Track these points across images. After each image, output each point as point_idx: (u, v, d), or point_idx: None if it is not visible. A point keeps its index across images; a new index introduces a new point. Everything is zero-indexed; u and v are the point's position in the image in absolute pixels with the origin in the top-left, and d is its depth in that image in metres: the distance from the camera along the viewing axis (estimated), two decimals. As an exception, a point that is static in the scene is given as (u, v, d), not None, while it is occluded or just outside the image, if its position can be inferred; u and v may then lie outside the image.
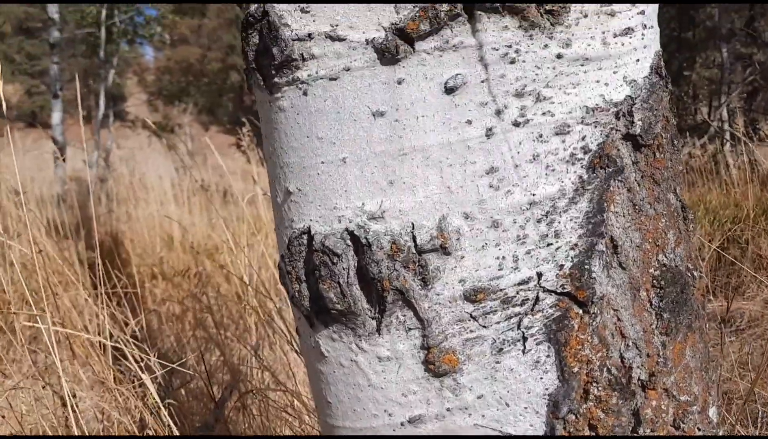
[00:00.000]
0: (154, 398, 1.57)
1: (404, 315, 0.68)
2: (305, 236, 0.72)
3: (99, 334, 1.93)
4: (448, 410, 0.70)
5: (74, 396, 1.79)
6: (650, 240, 0.71)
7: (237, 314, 3.00)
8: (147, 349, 1.75)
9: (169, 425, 1.53)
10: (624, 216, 0.69)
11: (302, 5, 0.65)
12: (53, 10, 8.94)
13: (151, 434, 1.63)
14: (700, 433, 0.74)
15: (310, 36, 0.65)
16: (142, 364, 1.63)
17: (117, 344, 1.58)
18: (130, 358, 1.62)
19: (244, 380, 2.27)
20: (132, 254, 4.06)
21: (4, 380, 1.96)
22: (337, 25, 0.64)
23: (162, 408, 1.60)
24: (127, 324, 2.31)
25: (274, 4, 0.66)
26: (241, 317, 2.91)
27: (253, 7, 0.68)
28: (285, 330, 2.12)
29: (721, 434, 0.78)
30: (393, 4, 0.62)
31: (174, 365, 1.75)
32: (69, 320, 2.20)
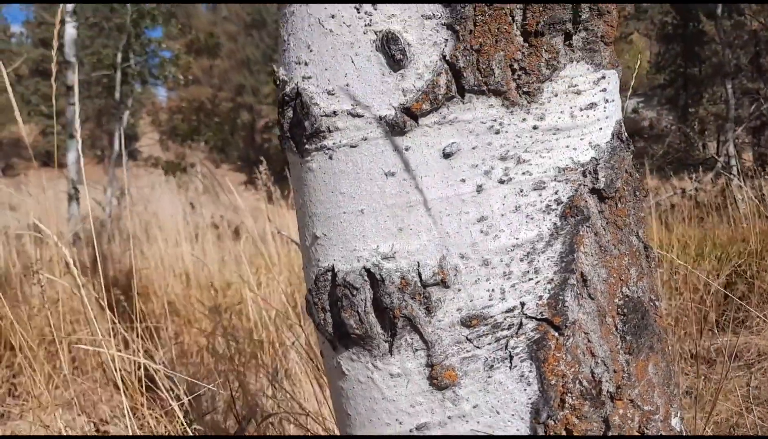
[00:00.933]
0: (181, 422, 1.71)
1: (412, 338, 0.83)
2: (329, 273, 0.87)
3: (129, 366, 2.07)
4: (449, 417, 0.84)
5: (108, 422, 1.93)
6: (615, 275, 0.86)
7: (250, 350, 3.14)
8: (175, 379, 1.89)
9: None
10: (592, 255, 0.84)
11: (328, 88, 0.81)
12: (70, 53, 9.25)
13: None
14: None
15: (335, 113, 0.81)
16: (172, 394, 1.78)
17: (152, 373, 1.73)
18: (161, 386, 1.77)
19: (261, 411, 2.40)
20: (149, 290, 4.21)
21: (40, 406, 2.10)
22: (357, 105, 0.80)
23: (189, 432, 1.74)
24: (152, 357, 2.45)
25: (306, 88, 0.82)
26: (256, 353, 3.04)
27: (288, 88, 0.84)
28: (300, 362, 2.25)
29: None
30: (401, 90, 0.78)
31: (203, 387, 1.88)
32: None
